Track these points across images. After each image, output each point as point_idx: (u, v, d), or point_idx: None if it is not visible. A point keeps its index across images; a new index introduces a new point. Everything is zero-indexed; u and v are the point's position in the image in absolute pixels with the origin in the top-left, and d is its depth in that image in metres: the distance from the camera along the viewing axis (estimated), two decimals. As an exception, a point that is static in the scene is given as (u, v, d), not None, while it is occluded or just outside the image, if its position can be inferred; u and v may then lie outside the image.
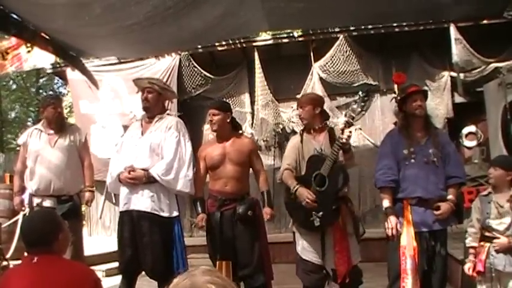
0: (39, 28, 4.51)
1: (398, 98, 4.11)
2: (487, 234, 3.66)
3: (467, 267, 3.69)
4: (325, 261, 3.95)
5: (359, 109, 3.88)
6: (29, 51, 8.01)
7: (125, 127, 6.46)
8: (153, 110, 4.50)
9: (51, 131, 4.87)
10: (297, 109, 4.37)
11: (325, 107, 4.34)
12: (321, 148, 4.03)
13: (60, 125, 4.92)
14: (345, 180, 3.98)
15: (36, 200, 4.75)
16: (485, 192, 3.85)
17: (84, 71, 5.96)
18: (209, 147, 4.50)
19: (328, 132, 4.13)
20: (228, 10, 4.52)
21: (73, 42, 4.99)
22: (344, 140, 3.78)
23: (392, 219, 3.80)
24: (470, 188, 6.65)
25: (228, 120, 4.44)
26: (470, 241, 3.75)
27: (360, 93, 3.96)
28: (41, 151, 4.79)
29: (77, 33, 4.72)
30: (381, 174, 3.90)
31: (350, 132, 3.81)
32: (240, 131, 4.71)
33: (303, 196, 3.88)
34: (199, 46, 8.14)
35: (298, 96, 7.79)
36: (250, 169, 4.55)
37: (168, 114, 4.60)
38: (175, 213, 4.36)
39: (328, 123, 4.30)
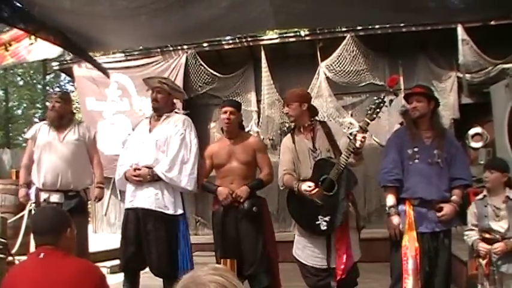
0: (45, 15, 4.46)
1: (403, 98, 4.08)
2: (487, 236, 3.67)
3: (482, 247, 3.65)
4: (329, 261, 3.90)
5: (374, 115, 3.79)
6: (31, 44, 7.92)
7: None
8: (162, 109, 4.52)
9: (60, 126, 4.89)
10: (283, 107, 4.31)
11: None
12: (315, 147, 3.99)
13: (68, 121, 4.94)
14: (353, 185, 3.94)
15: (43, 195, 4.77)
16: (480, 196, 3.85)
17: (92, 62, 5.96)
18: (217, 146, 4.53)
19: (321, 127, 4.08)
20: (236, 2, 4.51)
21: (79, 28, 4.91)
22: (357, 145, 3.71)
23: (394, 219, 3.80)
24: (476, 189, 6.63)
25: (239, 120, 4.48)
26: (473, 236, 3.76)
27: (376, 99, 3.92)
28: (48, 145, 4.80)
29: (84, 13, 4.62)
30: (385, 173, 3.89)
31: (364, 137, 3.73)
32: (246, 130, 4.71)
33: (304, 191, 3.84)
34: (206, 42, 8.17)
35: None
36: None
37: (176, 112, 4.63)
38: (179, 211, 4.37)
39: (317, 118, 4.20)
